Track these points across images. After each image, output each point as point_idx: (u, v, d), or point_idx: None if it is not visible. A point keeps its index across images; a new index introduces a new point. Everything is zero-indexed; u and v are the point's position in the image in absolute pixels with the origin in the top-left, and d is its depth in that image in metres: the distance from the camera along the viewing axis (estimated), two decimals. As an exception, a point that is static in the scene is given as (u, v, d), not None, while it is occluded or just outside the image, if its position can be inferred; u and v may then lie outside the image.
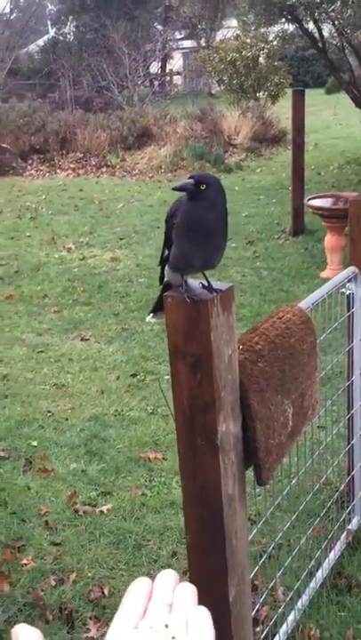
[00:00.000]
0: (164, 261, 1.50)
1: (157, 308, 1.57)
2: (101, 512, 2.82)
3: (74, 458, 3.23)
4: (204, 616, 0.47)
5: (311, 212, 5.82)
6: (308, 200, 5.64)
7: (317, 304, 2.05)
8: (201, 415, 1.48)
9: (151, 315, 1.61)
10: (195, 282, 1.46)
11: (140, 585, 0.50)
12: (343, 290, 2.31)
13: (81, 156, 11.70)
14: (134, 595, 0.49)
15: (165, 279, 1.52)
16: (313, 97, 11.76)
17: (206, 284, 1.43)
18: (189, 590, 0.49)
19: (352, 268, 2.27)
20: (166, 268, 1.49)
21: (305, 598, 2.23)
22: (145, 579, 0.51)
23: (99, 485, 3.01)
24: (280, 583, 2.29)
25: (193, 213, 1.34)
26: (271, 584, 2.16)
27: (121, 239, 7.01)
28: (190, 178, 1.33)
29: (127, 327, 4.74)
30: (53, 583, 2.46)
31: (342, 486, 2.61)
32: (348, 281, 2.27)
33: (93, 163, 11.46)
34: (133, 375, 4.03)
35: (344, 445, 2.70)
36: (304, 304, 1.94)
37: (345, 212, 5.43)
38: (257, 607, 2.06)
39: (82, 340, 4.61)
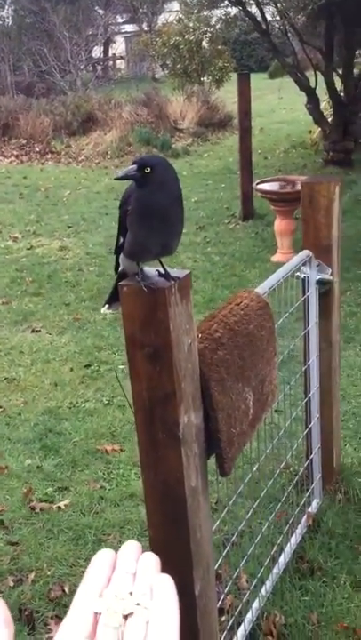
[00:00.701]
0: (118, 249, 1.43)
1: (113, 299, 1.51)
2: (59, 508, 2.75)
3: (28, 454, 3.14)
4: (167, 582, 0.48)
5: (260, 197, 5.81)
6: (257, 184, 5.63)
7: (273, 289, 2.02)
8: (161, 407, 1.44)
9: (107, 306, 1.55)
10: (151, 269, 1.41)
11: (103, 556, 0.50)
12: (298, 273, 2.30)
13: (24, 142, 11.43)
14: (98, 565, 0.50)
15: (121, 268, 1.45)
16: (257, 81, 11.75)
17: (163, 271, 1.38)
18: (153, 559, 0.50)
19: (306, 252, 2.25)
20: (121, 256, 1.43)
21: (268, 585, 2.22)
22: (108, 550, 0.51)
23: (55, 481, 2.94)
24: (243, 571, 2.27)
25: (145, 198, 1.28)
26: (236, 573, 2.13)
27: (69, 227, 6.87)
28: (133, 163, 1.27)
29: (79, 317, 4.64)
30: (12, 584, 2.38)
31: (301, 470, 2.61)
32: (303, 264, 2.25)
33: (37, 149, 11.22)
34: (87, 366, 3.96)
35: (302, 429, 2.70)
36: (261, 289, 1.91)
37: (293, 195, 5.45)
38: (222, 597, 2.04)
39: (33, 331, 4.49)
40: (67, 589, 2.35)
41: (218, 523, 1.91)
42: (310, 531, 2.49)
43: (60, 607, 2.28)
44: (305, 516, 2.50)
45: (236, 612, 2.03)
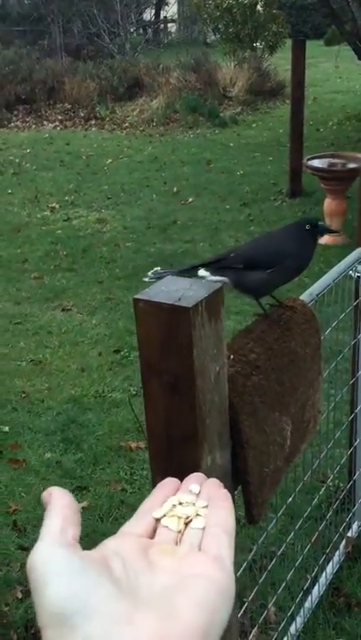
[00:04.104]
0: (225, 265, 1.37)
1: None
2: (76, 510, 2.56)
3: (48, 446, 2.96)
4: (225, 495, 0.48)
5: (310, 173, 5.45)
6: (308, 160, 5.27)
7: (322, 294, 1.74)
8: (180, 446, 1.20)
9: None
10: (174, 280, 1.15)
11: (168, 481, 0.52)
12: (351, 272, 2.01)
13: (69, 107, 11.16)
14: (162, 486, 0.51)
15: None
16: (312, 48, 11.17)
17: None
18: (216, 481, 0.51)
19: (362, 249, 1.96)
20: (232, 276, 1.36)
21: (299, 621, 1.99)
22: (173, 478, 0.52)
23: (74, 479, 2.75)
24: (272, 601, 2.04)
25: (302, 258, 1.37)
26: (269, 606, 1.90)
27: (108, 198, 6.63)
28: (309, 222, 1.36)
29: (112, 297, 4.42)
30: (20, 595, 2.21)
31: (342, 488, 2.35)
32: (359, 263, 1.96)
33: (82, 114, 10.94)
34: (117, 351, 3.74)
35: (343, 437, 2.42)
36: (308, 296, 1.64)
37: (347, 173, 5.09)
38: (252, 634, 1.82)
39: (63, 310, 4.30)
40: (78, 606, 2.16)
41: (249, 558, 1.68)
42: (349, 559, 2.24)
43: (70, 627, 2.10)
44: (344, 542, 2.26)
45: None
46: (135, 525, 0.47)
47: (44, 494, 0.45)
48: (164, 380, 1.16)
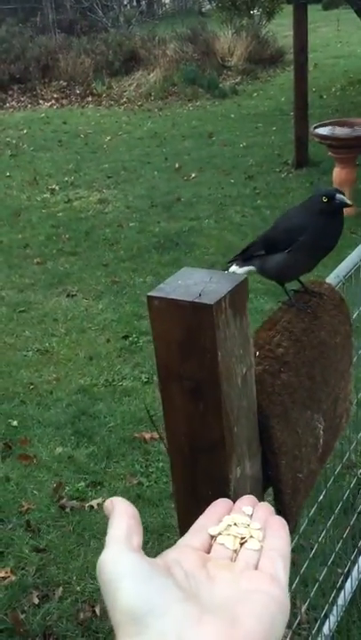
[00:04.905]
0: (249, 254, 1.29)
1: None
2: (91, 507, 2.46)
3: (59, 440, 2.85)
4: (281, 522, 0.50)
5: (317, 142, 5.26)
6: (314, 128, 5.07)
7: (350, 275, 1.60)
8: (206, 457, 1.07)
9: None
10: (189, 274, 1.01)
11: (221, 501, 0.54)
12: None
13: (65, 84, 10.92)
14: (216, 506, 0.53)
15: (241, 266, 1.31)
16: (310, 13, 10.87)
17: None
18: (268, 506, 0.53)
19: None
20: (257, 263, 1.29)
21: (332, 620, 1.88)
22: (225, 499, 0.55)
23: (88, 474, 2.64)
24: (302, 599, 1.93)
25: (324, 232, 1.23)
26: (303, 608, 1.80)
27: (109, 177, 6.45)
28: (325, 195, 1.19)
29: (117, 280, 4.28)
30: (36, 601, 2.11)
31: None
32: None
33: (78, 92, 10.70)
34: (125, 337, 3.61)
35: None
36: (334, 278, 1.50)
37: (356, 141, 4.90)
38: (288, 637, 1.71)
39: (68, 295, 4.17)
40: (97, 610, 2.06)
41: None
42: (381, 550, 2.13)
43: (90, 633, 2.00)
44: (374, 532, 2.14)
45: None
46: (192, 539, 0.49)
47: (107, 503, 0.48)
48: (184, 386, 1.02)
